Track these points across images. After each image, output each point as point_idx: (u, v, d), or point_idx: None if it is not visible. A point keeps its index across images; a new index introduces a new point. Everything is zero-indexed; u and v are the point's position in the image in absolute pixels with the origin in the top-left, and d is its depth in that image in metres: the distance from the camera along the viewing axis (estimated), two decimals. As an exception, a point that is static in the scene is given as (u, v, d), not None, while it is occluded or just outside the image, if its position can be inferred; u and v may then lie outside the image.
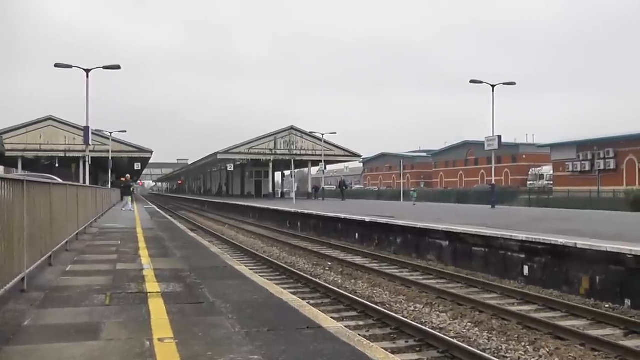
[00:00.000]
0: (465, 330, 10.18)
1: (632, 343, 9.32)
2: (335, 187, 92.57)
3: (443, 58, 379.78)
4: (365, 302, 11.89)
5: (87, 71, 35.72)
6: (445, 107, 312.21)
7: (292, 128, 69.10)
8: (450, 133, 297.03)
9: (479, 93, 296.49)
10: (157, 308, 7.26)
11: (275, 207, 40.50)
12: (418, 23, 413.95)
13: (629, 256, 12.18)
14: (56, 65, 34.72)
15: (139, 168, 64.86)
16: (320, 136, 65.18)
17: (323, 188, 71.77)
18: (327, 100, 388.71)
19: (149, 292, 8.37)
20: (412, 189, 63.13)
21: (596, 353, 8.74)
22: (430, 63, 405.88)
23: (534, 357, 8.57)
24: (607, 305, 12.22)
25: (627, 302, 12.09)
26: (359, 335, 6.82)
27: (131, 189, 39.88)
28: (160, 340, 5.70)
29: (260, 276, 11.29)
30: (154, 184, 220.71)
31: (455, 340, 9.01)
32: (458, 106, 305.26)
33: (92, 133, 40.82)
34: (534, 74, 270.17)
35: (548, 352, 8.76)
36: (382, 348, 6.17)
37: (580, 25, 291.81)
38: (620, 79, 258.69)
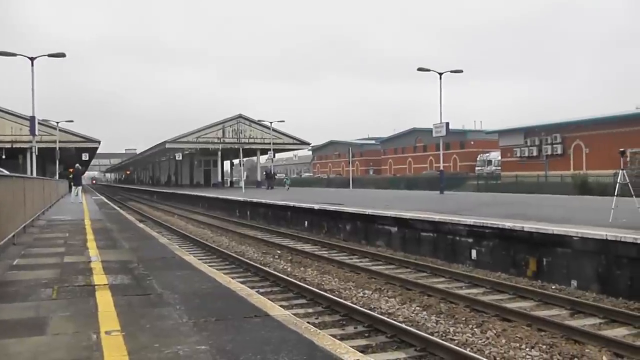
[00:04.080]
0: (413, 315, 10.30)
1: (577, 323, 9.59)
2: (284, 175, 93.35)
3: (393, 49, 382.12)
4: (314, 289, 11.95)
5: (32, 59, 35.06)
6: (393, 94, 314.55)
7: (240, 116, 68.50)
8: (399, 121, 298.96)
9: (428, 81, 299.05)
10: (105, 301, 7.19)
11: (225, 196, 40.30)
12: (361, 13, 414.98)
13: (575, 238, 12.49)
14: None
15: (87, 158, 63.64)
16: (269, 124, 64.96)
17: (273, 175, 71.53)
18: (273, 89, 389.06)
19: (97, 285, 8.29)
20: (286, 177, 64.24)
21: (542, 333, 8.94)
22: (381, 54, 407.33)
23: (481, 339, 8.71)
24: (553, 287, 12.52)
25: (574, 283, 12.41)
26: (308, 322, 6.87)
27: (81, 179, 38.52)
28: (107, 333, 5.65)
29: (209, 266, 11.27)
30: (103, 174, 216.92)
31: (403, 325, 9.13)
32: (406, 94, 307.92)
33: (39, 123, 40.07)
34: (479, 61, 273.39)
35: (495, 334, 8.93)
36: (330, 335, 6.23)
37: (522, 11, 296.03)
38: (564, 65, 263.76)
